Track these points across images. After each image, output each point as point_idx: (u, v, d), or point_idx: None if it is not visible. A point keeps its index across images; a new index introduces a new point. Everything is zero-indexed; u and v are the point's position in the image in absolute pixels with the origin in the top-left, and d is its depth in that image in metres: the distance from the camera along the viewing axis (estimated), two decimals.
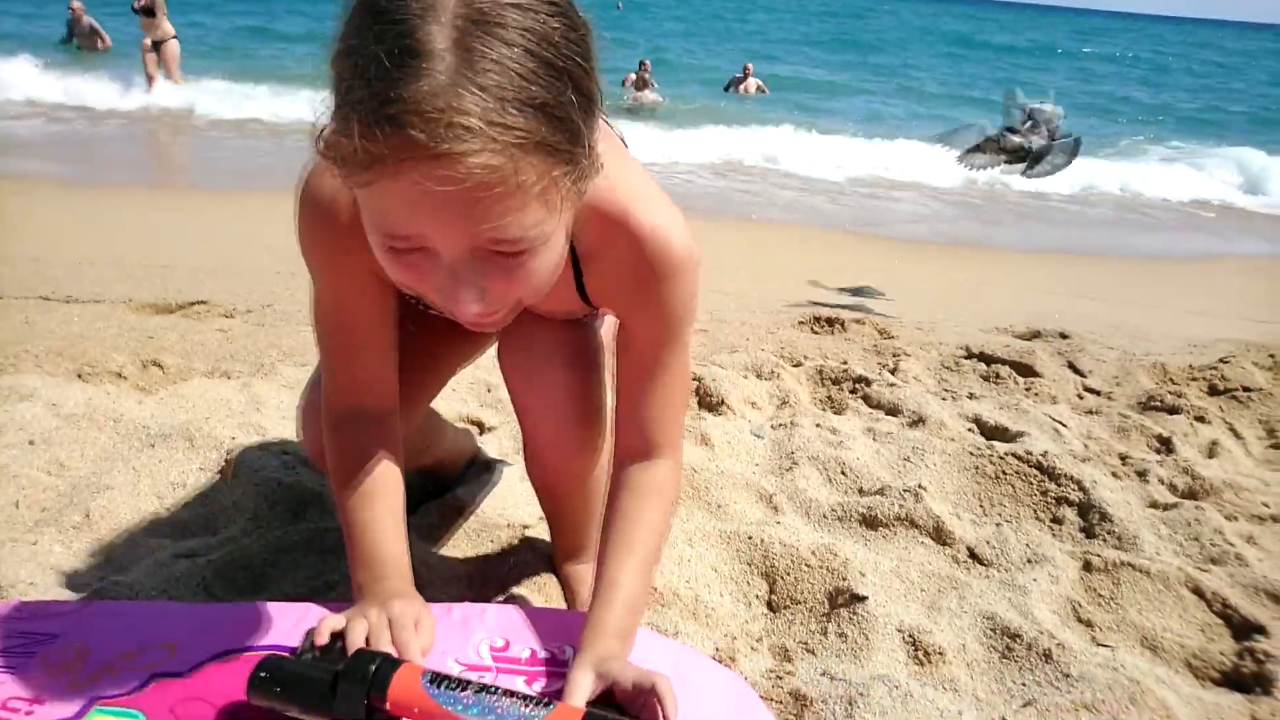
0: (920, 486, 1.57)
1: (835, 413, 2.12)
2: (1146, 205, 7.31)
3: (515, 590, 1.29)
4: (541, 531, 1.39)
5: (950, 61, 20.31)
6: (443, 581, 1.28)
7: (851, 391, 2.22)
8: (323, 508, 1.42)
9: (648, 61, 10.85)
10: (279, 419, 1.75)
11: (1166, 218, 6.95)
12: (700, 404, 2.05)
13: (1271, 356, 2.52)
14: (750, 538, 1.41)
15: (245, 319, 2.60)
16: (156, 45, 8.42)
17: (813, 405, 2.18)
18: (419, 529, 1.38)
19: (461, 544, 1.40)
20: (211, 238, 3.75)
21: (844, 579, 1.31)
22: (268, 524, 1.38)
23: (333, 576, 1.24)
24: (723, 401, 2.03)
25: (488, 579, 1.32)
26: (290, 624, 0.92)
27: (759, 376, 2.27)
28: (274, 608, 0.95)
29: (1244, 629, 1.31)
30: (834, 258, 4.65)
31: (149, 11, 8.34)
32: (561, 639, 0.94)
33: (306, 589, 1.22)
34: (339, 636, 0.83)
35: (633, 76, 10.79)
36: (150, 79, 8.29)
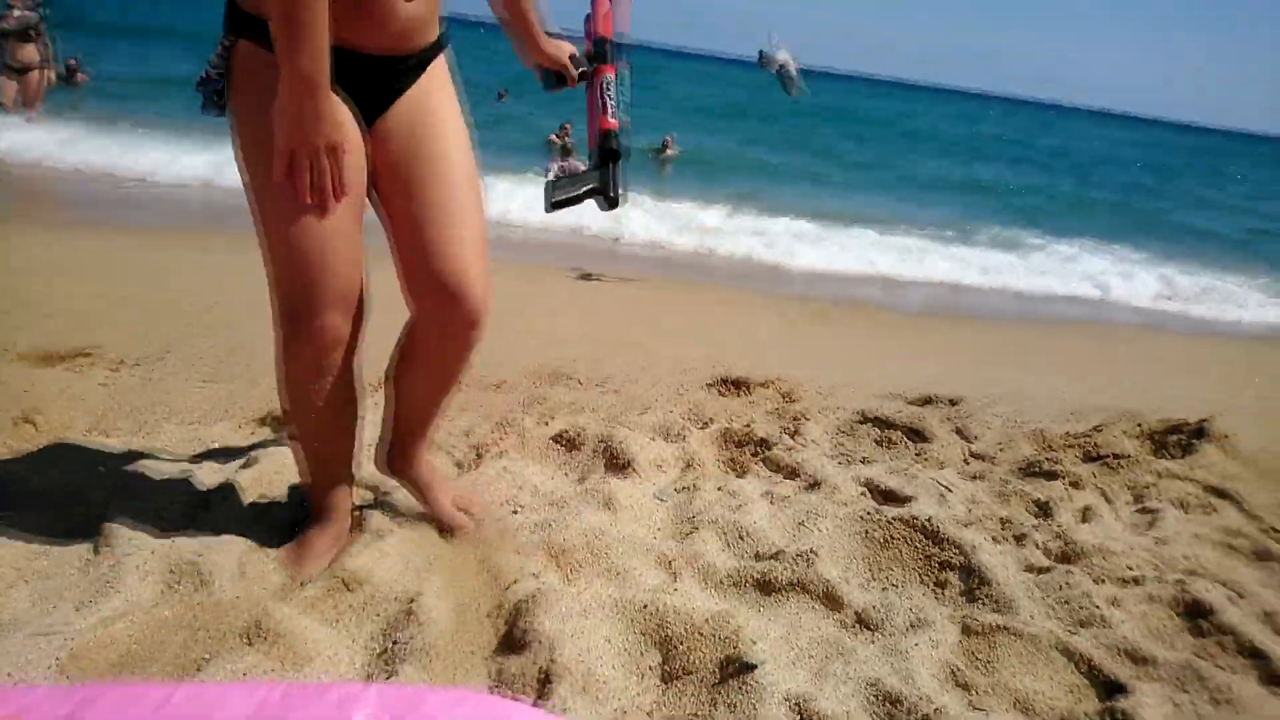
0: (813, 551, 1.61)
1: (738, 475, 2.17)
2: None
3: (402, 667, 1.25)
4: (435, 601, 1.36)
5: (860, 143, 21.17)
6: (327, 660, 1.24)
7: (754, 454, 2.27)
8: (198, 580, 1.35)
9: (569, 125, 11.07)
10: (158, 485, 1.67)
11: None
12: (607, 466, 2.06)
13: (1139, 425, 2.70)
14: (646, 606, 1.42)
15: (133, 372, 2.49)
16: (21, 72, 8.05)
17: (717, 468, 2.22)
18: (300, 603, 1.34)
19: (348, 618, 1.36)
20: (100, 277, 3.58)
21: (735, 647, 1.33)
22: (137, 599, 1.30)
23: (203, 655, 1.18)
24: (630, 463, 2.05)
25: (372, 656, 1.28)
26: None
27: (667, 438, 2.30)
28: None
29: (1108, 688, 1.38)
30: (742, 320, 4.79)
31: (22, 36, 7.93)
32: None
33: (175, 670, 1.15)
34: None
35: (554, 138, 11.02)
36: (7, 107, 7.90)
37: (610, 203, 1.60)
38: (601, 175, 1.60)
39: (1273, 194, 21.13)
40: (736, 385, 3.01)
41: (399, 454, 1.60)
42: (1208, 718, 1.31)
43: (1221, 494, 2.33)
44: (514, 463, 2.03)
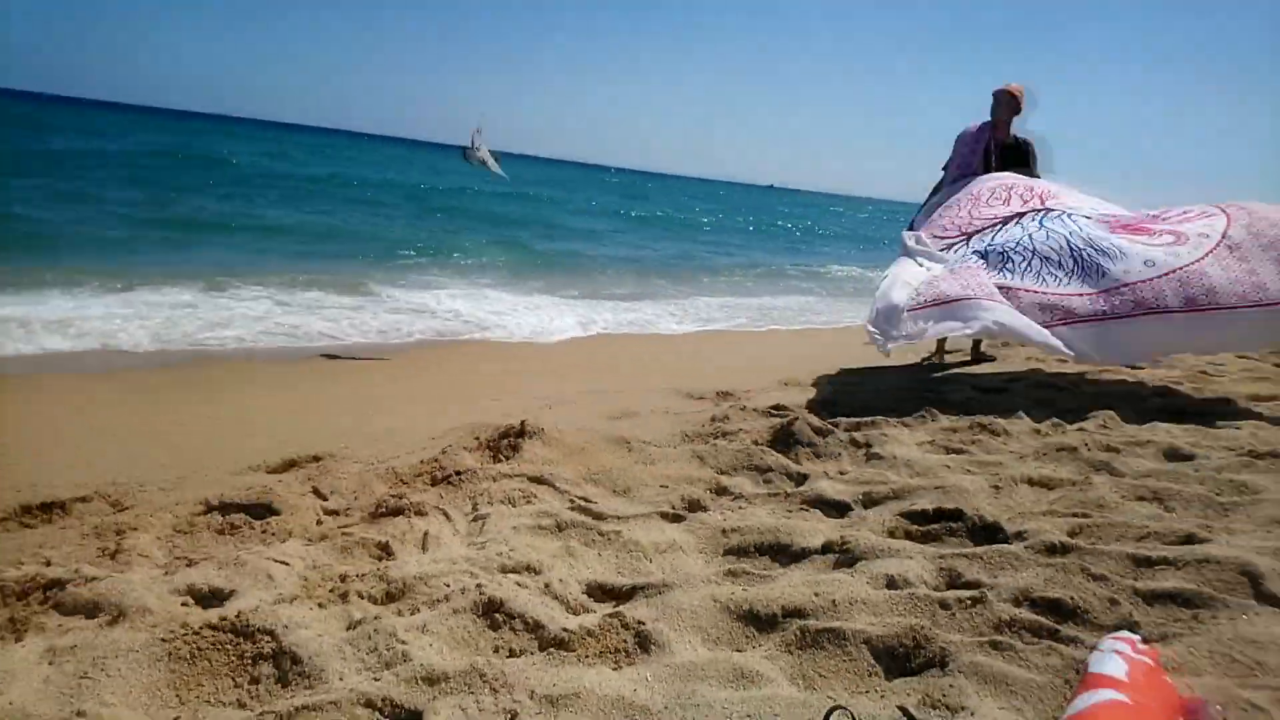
0: (81, 714, 1.39)
1: (16, 639, 1.78)
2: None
3: None
4: None
5: None
6: None
7: (43, 602, 1.89)
8: None
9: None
10: None
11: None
12: None
13: (477, 439, 3.04)
14: None
15: None
16: None
17: None
18: None
19: None
20: None
21: None
22: None
23: None
24: None
25: None
26: None
27: None
28: None
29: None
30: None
31: None
32: None
33: None
34: None
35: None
36: None
37: None
38: None
39: None
40: (46, 510, 2.51)
41: None
42: (488, 711, 1.49)
43: (540, 480, 2.74)
44: None
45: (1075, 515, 2.35)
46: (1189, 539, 2.07)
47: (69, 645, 1.66)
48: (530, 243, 15.70)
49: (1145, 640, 1.56)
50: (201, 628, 1.65)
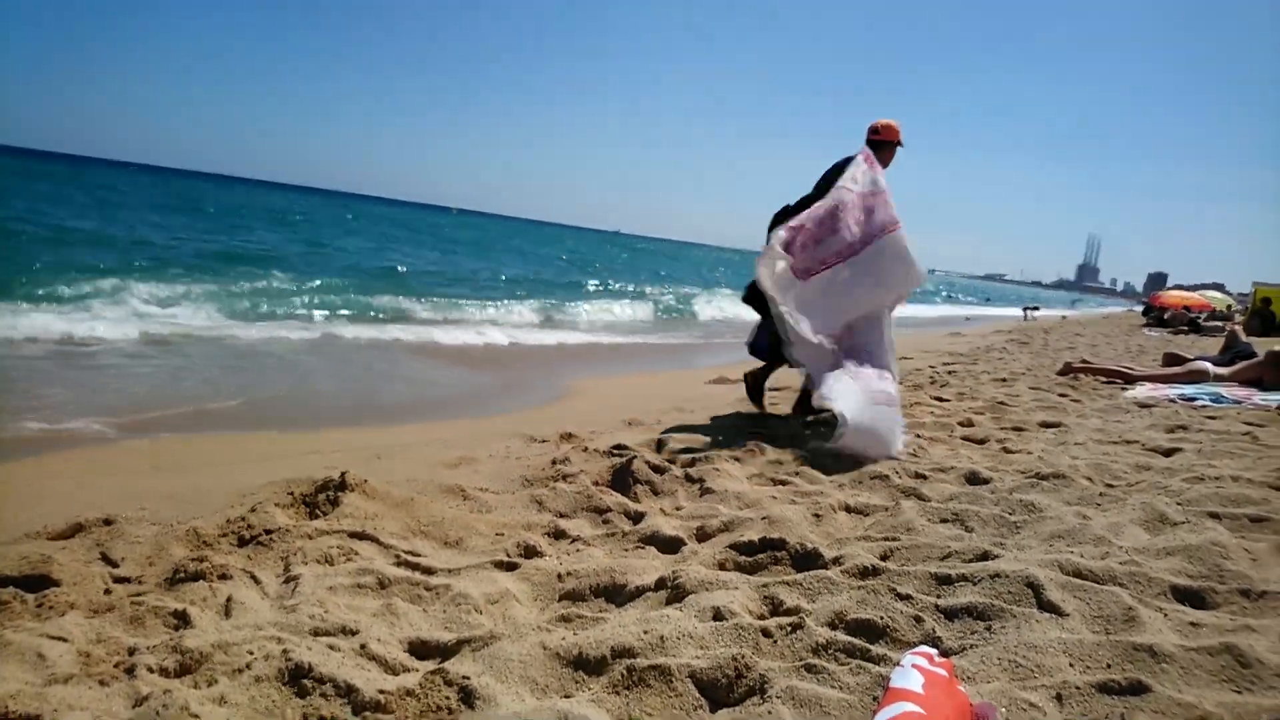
0: None
1: None
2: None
3: None
4: None
5: None
6: None
7: None
8: None
9: None
10: None
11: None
12: None
13: (291, 494, 2.85)
14: None
15: None
16: None
17: None
18: None
19: None
20: None
21: None
22: None
23: None
24: None
25: None
26: None
27: None
28: None
29: None
30: None
31: None
32: None
33: None
34: None
35: None
36: None
37: None
38: None
39: None
40: None
41: None
42: None
43: (361, 536, 2.60)
44: None
45: (886, 539, 2.50)
46: (984, 556, 2.25)
47: None
48: None
49: (944, 653, 1.67)
50: None
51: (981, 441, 4.14)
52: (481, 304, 14.02)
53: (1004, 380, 7.14)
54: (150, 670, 1.72)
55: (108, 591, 2.22)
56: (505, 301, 14.79)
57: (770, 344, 4.71)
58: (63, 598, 2.13)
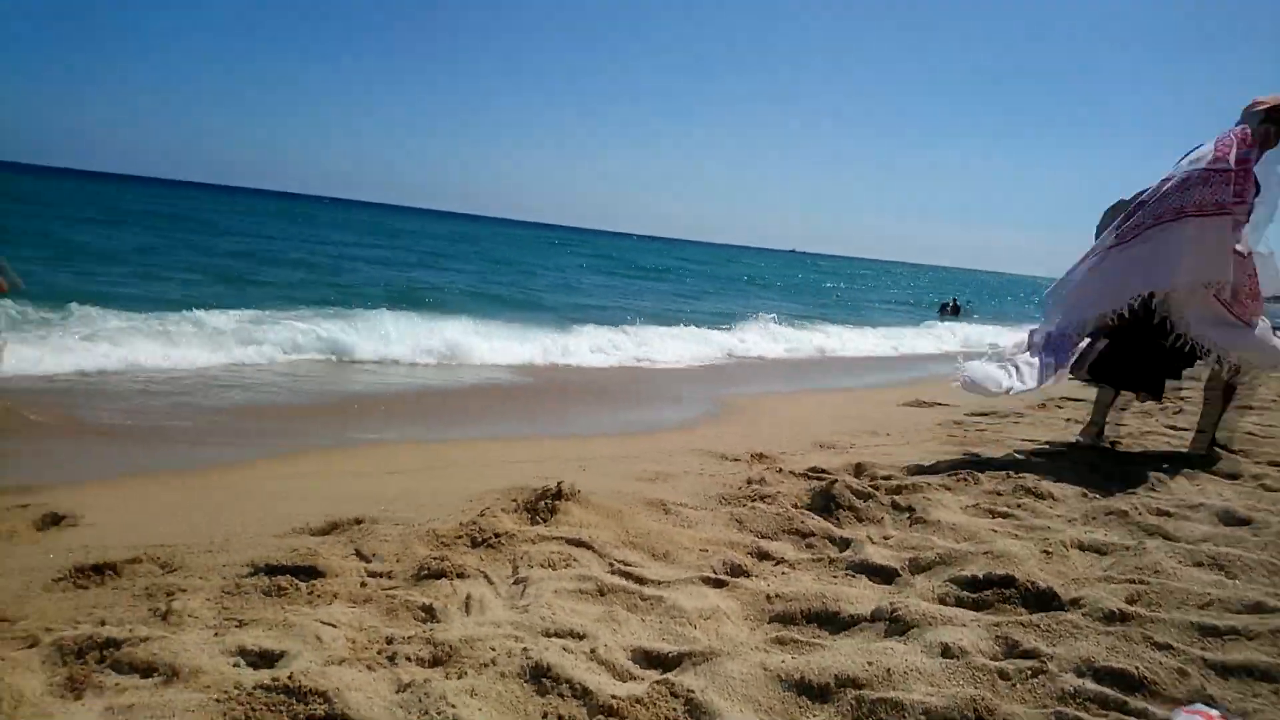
0: None
1: (75, 698, 1.79)
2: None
3: None
4: None
5: None
6: None
7: (100, 660, 1.91)
8: None
9: None
10: None
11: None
12: None
13: (514, 500, 3.04)
14: None
15: None
16: None
17: (46, 698, 1.81)
18: None
19: None
20: None
21: None
22: None
23: None
24: None
25: None
26: None
27: None
28: None
29: None
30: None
31: None
32: None
33: None
34: None
35: None
36: None
37: None
38: None
39: None
40: (99, 571, 2.54)
41: None
42: None
43: (579, 543, 2.73)
44: None
45: (1131, 581, 2.29)
46: (1258, 607, 2.00)
47: (127, 705, 1.67)
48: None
49: (1224, 716, 1.51)
50: (254, 689, 1.65)
51: (1233, 476, 3.69)
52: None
53: (1251, 408, 6.31)
54: (408, 659, 1.89)
55: (363, 584, 2.47)
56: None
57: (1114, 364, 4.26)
58: (328, 588, 2.40)
